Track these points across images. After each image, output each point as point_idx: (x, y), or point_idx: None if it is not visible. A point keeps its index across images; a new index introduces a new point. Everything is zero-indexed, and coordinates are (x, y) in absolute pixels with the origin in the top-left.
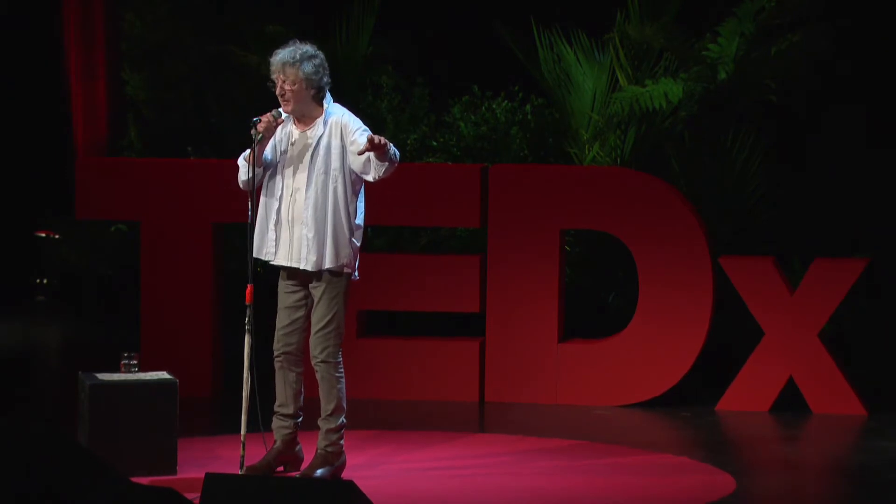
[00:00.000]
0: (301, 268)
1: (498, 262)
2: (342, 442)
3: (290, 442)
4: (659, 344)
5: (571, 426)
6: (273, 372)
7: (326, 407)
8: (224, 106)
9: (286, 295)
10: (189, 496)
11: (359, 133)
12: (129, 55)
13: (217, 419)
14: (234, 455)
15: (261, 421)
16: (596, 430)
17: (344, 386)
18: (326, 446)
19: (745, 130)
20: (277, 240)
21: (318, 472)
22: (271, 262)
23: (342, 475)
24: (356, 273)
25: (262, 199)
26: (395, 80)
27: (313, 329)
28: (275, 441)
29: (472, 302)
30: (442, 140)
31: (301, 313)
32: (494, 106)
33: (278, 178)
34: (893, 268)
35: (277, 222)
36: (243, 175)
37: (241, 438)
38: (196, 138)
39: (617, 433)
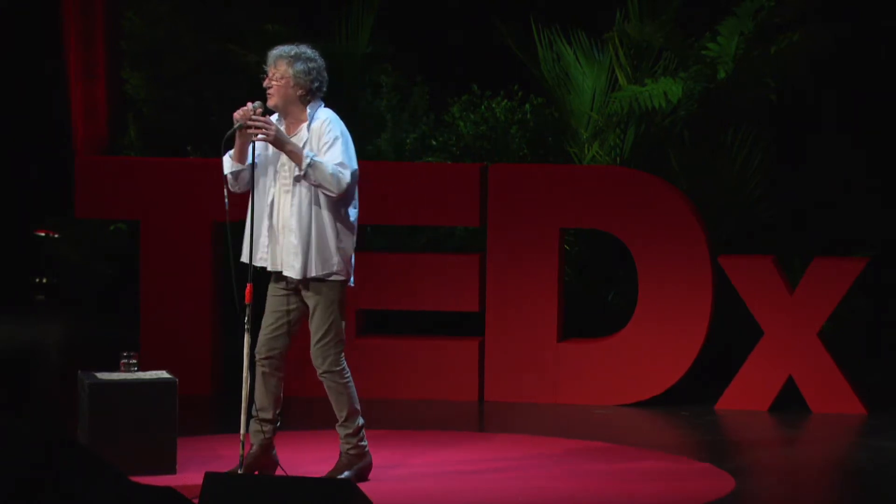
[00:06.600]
0: (286, 275)
1: (497, 261)
2: (363, 443)
3: (267, 447)
4: (658, 343)
5: (571, 426)
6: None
7: (340, 414)
8: (224, 105)
9: (274, 298)
10: (189, 496)
11: (326, 146)
12: (129, 54)
13: (217, 419)
14: (234, 454)
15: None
16: (595, 430)
17: (353, 389)
18: (348, 450)
19: (745, 129)
20: (269, 245)
21: (345, 473)
22: (261, 268)
23: (369, 475)
24: (351, 279)
25: (252, 200)
26: (395, 78)
27: (312, 341)
28: (251, 445)
29: (472, 301)
30: (441, 139)
31: (288, 318)
32: (494, 105)
33: (268, 181)
34: (893, 267)
35: (270, 227)
36: (226, 169)
37: (241, 438)
38: (196, 138)
39: (616, 433)
